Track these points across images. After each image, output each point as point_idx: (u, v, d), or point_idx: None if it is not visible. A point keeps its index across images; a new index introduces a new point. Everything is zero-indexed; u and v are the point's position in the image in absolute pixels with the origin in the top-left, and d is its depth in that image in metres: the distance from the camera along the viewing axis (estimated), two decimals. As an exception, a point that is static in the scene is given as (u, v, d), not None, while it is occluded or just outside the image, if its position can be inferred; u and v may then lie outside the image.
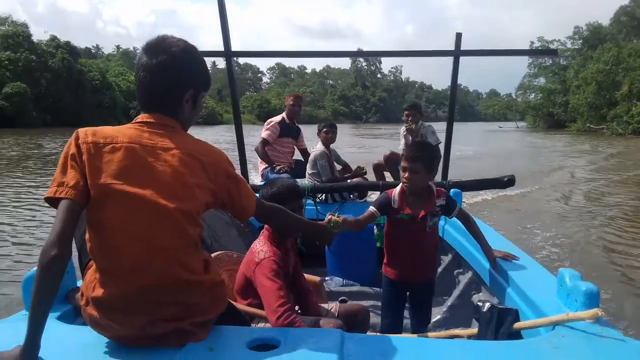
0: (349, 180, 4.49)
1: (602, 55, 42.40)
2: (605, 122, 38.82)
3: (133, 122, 1.42)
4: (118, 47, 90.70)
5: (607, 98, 39.77)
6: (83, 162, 1.30)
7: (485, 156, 18.89)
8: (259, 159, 5.00)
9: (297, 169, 4.96)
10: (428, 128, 4.93)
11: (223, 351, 1.28)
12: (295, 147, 5.23)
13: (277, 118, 5.13)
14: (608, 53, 41.41)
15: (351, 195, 4.37)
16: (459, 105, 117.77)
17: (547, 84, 56.01)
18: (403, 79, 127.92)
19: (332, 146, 4.64)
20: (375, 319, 3.06)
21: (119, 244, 1.30)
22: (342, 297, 3.32)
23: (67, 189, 1.28)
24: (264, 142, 4.93)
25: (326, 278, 3.71)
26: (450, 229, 3.38)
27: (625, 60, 38.90)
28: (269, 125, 5.01)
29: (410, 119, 5.03)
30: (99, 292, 1.31)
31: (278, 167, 4.77)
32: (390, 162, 4.79)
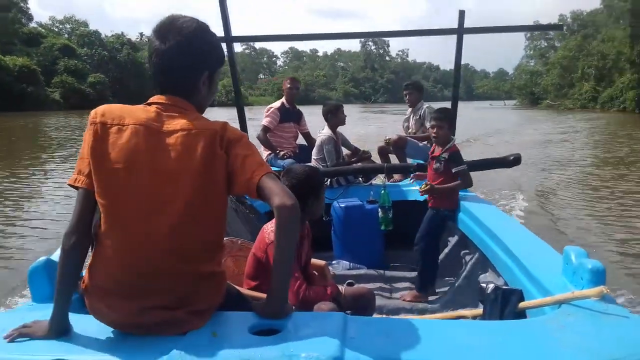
0: (353, 165, 4.46)
1: (568, 43, 52.07)
2: (566, 99, 47.63)
3: (146, 102, 1.38)
4: (141, 34, 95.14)
5: (569, 79, 48.98)
6: (90, 145, 1.30)
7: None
8: (262, 146, 4.97)
9: (302, 154, 4.91)
10: (428, 108, 4.87)
11: (226, 337, 1.28)
12: (298, 131, 5.18)
13: (277, 104, 5.06)
14: (572, 41, 50.45)
15: (357, 179, 4.35)
16: (465, 85, 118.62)
17: (534, 66, 64.50)
18: (410, 61, 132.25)
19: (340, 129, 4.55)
20: (381, 301, 3.08)
21: (116, 232, 1.30)
22: (349, 281, 3.33)
23: (82, 178, 1.31)
24: (265, 129, 4.88)
25: (333, 262, 3.72)
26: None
27: (586, 48, 46.90)
28: (269, 112, 4.95)
29: (408, 97, 4.99)
30: (98, 275, 1.32)
31: (282, 153, 4.74)
32: (397, 146, 4.75)
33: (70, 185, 1.34)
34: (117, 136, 1.29)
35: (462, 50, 3.94)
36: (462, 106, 3.68)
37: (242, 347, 1.20)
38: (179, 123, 1.31)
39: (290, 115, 5.03)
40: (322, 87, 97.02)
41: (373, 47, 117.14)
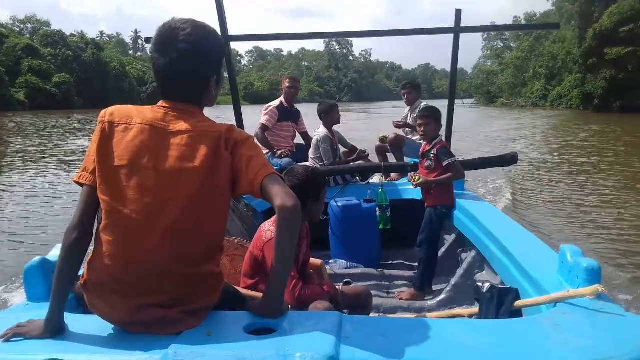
0: (351, 164, 4.46)
1: (521, 44, 54.48)
2: (519, 98, 49.76)
3: (155, 105, 1.39)
4: (102, 32, 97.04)
5: (522, 79, 51.42)
6: (97, 143, 1.31)
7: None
8: (260, 144, 4.96)
9: (299, 153, 4.91)
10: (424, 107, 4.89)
11: (221, 336, 1.28)
12: (296, 130, 5.18)
13: (275, 102, 5.06)
14: (525, 42, 52.97)
15: (355, 178, 4.35)
16: (427, 84, 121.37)
17: (491, 66, 67.01)
18: (373, 60, 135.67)
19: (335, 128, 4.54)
20: (378, 300, 3.08)
21: (117, 230, 1.29)
22: (346, 280, 3.33)
23: (87, 175, 1.33)
24: (263, 127, 4.88)
25: (330, 261, 3.72)
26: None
27: (538, 49, 49.42)
28: (267, 110, 4.95)
29: (406, 97, 5.06)
30: (99, 272, 1.31)
31: (279, 152, 4.73)
32: (394, 145, 4.76)
33: (75, 182, 1.36)
34: (123, 134, 1.31)
35: (458, 49, 3.93)
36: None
37: (237, 347, 1.19)
38: (185, 124, 1.33)
39: (288, 115, 5.03)
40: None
41: (337, 47, 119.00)
